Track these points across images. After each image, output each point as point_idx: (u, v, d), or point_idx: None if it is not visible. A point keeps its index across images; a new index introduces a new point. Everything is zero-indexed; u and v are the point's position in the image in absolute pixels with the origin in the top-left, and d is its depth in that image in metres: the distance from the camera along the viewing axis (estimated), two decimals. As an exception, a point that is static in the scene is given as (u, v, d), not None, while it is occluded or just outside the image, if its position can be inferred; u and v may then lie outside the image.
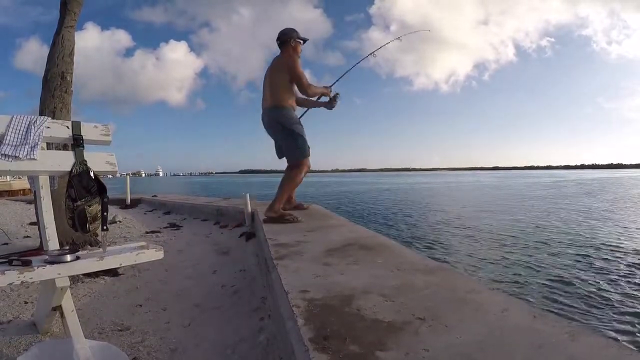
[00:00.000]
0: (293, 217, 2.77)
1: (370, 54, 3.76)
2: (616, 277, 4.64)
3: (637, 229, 8.22)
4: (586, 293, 4.04)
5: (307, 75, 2.98)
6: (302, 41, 3.07)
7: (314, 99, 3.12)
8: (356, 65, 3.75)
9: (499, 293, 1.27)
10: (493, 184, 38.65)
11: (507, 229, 8.56)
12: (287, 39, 3.00)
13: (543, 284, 4.42)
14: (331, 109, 3.20)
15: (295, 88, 2.97)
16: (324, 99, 3.15)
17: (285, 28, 3.06)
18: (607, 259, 5.57)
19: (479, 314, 1.04)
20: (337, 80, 3.42)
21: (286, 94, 2.92)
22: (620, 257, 5.62)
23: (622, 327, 3.17)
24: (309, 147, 2.96)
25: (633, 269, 4.99)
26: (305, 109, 3.26)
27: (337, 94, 3.18)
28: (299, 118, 3.08)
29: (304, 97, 3.06)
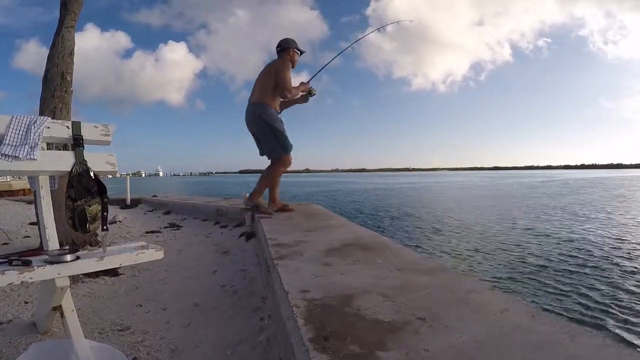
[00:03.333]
0: (267, 210, 3.10)
1: (349, 46, 3.95)
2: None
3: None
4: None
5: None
6: (299, 52, 3.26)
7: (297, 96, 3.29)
8: (336, 57, 4.01)
9: (498, 293, 1.27)
10: (479, 184, 39.44)
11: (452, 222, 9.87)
12: (287, 47, 3.20)
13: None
14: (306, 102, 3.42)
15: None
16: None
17: (287, 38, 3.26)
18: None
19: (479, 314, 1.04)
20: (314, 76, 3.56)
21: (272, 94, 3.10)
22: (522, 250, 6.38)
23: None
24: (290, 144, 3.12)
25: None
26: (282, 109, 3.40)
27: (313, 89, 3.37)
28: (279, 114, 3.22)
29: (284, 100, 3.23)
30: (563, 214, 11.23)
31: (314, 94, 3.39)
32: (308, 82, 3.40)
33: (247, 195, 3.29)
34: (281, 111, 3.32)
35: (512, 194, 21.15)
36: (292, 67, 3.22)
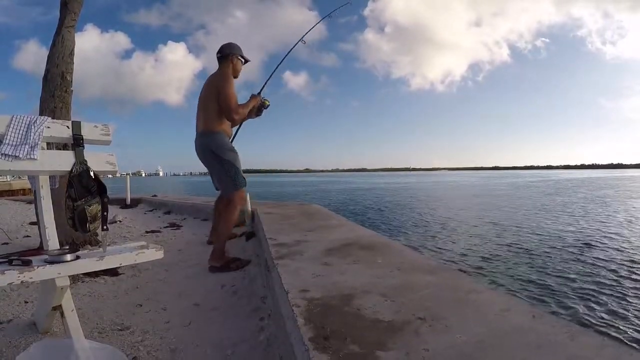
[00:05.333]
0: (237, 264, 2.47)
1: (299, 40, 3.61)
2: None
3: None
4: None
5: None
6: (243, 60, 2.80)
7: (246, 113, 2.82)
8: (288, 55, 3.67)
9: (499, 293, 1.27)
10: (474, 183, 41.08)
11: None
12: (228, 54, 2.72)
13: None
14: (259, 116, 2.99)
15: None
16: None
17: (228, 43, 2.80)
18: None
19: (479, 313, 1.04)
20: (264, 85, 3.19)
21: (218, 119, 2.63)
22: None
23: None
24: (243, 178, 2.64)
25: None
26: (238, 127, 3.07)
27: (266, 100, 2.92)
28: (232, 141, 2.84)
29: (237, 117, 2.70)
30: (528, 212, 12.10)
31: (268, 106, 2.93)
32: (259, 93, 2.94)
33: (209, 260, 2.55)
34: (234, 136, 2.95)
35: (499, 194, 22.14)
36: (235, 77, 2.75)
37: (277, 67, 3.56)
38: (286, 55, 3.72)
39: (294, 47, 3.68)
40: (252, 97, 2.86)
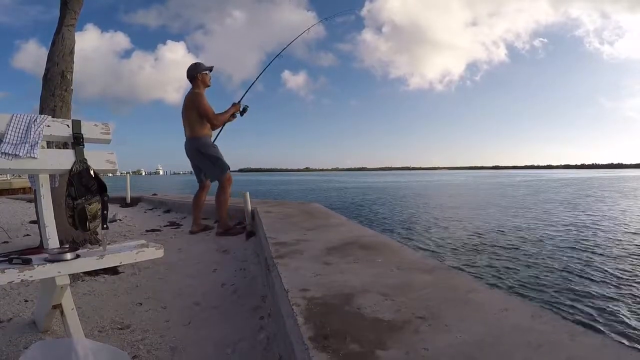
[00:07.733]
0: (236, 230, 3.40)
1: (280, 52, 4.18)
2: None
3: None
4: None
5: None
6: (208, 71, 3.44)
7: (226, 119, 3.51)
8: (284, 54, 4.21)
9: (498, 292, 1.27)
10: (461, 183, 42.22)
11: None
12: (195, 74, 3.39)
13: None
14: (235, 119, 3.62)
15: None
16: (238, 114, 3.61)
17: (191, 64, 3.42)
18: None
19: (478, 313, 1.04)
20: (244, 95, 3.76)
21: (200, 126, 3.40)
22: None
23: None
24: (227, 166, 3.44)
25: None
26: (220, 129, 3.65)
27: (246, 106, 3.57)
28: (214, 141, 3.56)
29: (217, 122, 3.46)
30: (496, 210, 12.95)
31: (247, 109, 3.55)
32: (239, 102, 3.58)
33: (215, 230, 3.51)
34: (216, 137, 3.59)
35: (481, 194, 23.08)
36: (208, 86, 3.46)
37: (254, 82, 4.14)
38: (269, 63, 4.33)
39: (273, 59, 4.25)
40: (233, 105, 3.53)
